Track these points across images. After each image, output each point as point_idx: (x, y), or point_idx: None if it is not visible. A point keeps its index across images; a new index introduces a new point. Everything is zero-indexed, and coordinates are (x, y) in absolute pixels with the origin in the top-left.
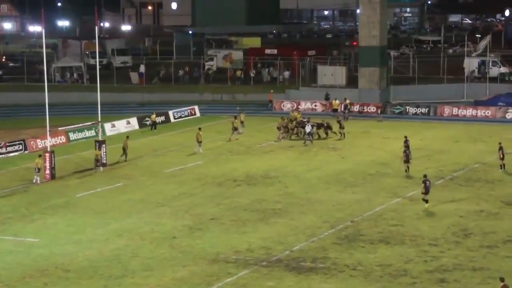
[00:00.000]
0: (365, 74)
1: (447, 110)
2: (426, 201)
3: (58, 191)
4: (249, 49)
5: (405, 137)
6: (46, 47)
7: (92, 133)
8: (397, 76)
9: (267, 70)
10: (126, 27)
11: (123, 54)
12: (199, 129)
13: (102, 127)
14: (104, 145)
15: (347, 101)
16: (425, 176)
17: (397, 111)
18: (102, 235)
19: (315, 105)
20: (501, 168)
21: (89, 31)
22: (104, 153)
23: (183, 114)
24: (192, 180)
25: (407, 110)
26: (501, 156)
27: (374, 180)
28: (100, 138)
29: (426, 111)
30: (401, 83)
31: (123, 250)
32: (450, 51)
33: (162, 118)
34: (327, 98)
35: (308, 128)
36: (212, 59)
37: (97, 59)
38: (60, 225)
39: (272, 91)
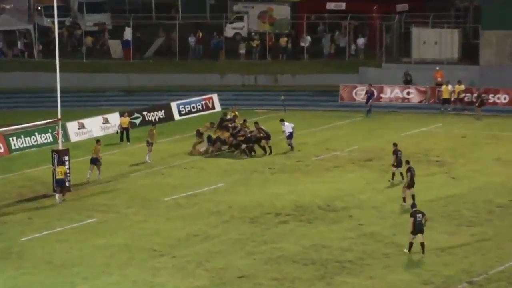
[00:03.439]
0: (491, 42)
1: None
2: None
3: None
4: (300, 2)
5: None
6: None
7: (47, 138)
8: None
9: (329, 36)
10: None
11: (98, 11)
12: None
13: (64, 128)
14: (67, 158)
15: (460, 86)
16: None
17: None
18: None
19: (409, 93)
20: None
21: None
22: (68, 171)
23: (194, 107)
24: (208, 214)
25: None
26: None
27: (507, 216)
28: (60, 147)
29: None
30: None
31: None
32: None
33: (161, 113)
34: (407, 80)
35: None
36: (240, 19)
37: (56, 19)
38: None
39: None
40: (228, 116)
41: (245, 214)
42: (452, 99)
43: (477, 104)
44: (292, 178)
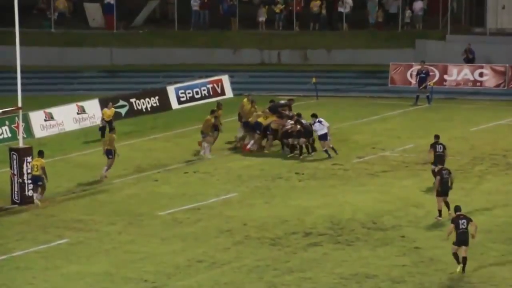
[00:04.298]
0: None
1: None
2: None
3: None
4: None
5: None
6: None
7: (3, 132)
8: None
9: (376, 0)
10: None
11: None
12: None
13: (26, 120)
14: (30, 159)
15: None
16: None
17: None
18: None
19: (482, 74)
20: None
21: None
22: (29, 174)
23: (197, 92)
24: (216, 233)
25: None
26: None
27: None
28: (21, 144)
29: None
30: None
31: None
32: None
33: (154, 101)
34: (468, 58)
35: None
36: None
37: None
38: None
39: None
40: (283, 101)
41: (265, 234)
42: None
43: None
44: (326, 186)
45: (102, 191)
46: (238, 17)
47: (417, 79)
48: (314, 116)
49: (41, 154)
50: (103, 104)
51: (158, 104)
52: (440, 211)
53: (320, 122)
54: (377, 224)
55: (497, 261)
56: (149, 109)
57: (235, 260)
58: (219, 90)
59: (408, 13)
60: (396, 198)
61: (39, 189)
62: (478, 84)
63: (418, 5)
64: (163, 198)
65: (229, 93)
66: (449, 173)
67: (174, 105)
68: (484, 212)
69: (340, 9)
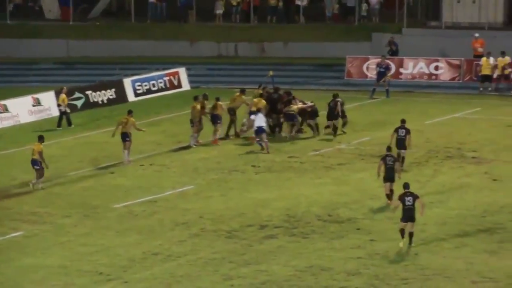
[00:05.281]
0: None
1: None
2: None
3: None
4: None
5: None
6: None
7: None
8: None
9: None
10: None
11: None
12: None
13: None
14: None
15: (504, 59)
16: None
17: None
18: None
19: (438, 67)
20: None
21: None
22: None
23: (154, 85)
24: (172, 226)
25: None
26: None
27: None
28: None
29: None
30: None
31: None
32: None
33: (110, 93)
34: (392, 50)
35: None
36: None
37: None
38: None
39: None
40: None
41: (221, 227)
42: (495, 75)
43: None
44: (282, 179)
45: (57, 184)
46: (195, 9)
47: (377, 73)
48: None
49: (40, 139)
50: (58, 97)
51: (114, 96)
52: (387, 195)
53: (252, 116)
54: (332, 216)
55: (451, 253)
56: (105, 101)
57: (191, 253)
58: (176, 83)
59: (364, 6)
60: (351, 190)
61: (36, 174)
62: (434, 77)
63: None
64: (119, 191)
65: (186, 86)
66: (395, 160)
67: (131, 97)
68: (438, 205)
69: (297, 2)
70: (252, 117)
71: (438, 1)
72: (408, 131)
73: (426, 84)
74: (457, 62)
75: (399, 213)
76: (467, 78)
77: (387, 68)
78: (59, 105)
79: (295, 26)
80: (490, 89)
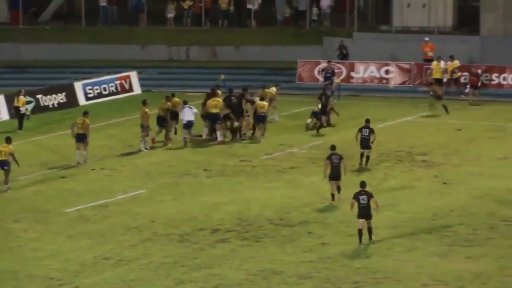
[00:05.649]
0: (497, 4)
1: None
2: None
3: None
4: None
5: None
6: None
7: None
8: None
9: None
10: None
11: None
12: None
13: None
14: None
15: (453, 63)
16: None
17: None
18: None
19: (388, 71)
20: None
21: None
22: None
23: (105, 89)
24: (123, 230)
25: None
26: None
27: None
28: None
29: None
30: None
31: None
32: None
33: (61, 97)
34: (343, 54)
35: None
36: None
37: None
38: None
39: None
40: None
41: (173, 231)
42: (445, 79)
43: (479, 85)
44: (234, 183)
45: (10, 190)
46: (146, 13)
47: (324, 77)
48: (185, 103)
49: (8, 140)
50: (9, 100)
51: (65, 100)
52: (332, 195)
53: (186, 109)
54: (284, 220)
55: (402, 257)
56: (56, 105)
57: (142, 257)
58: (127, 87)
59: (315, 10)
60: (303, 194)
61: (5, 174)
62: (384, 81)
63: (325, 3)
64: (70, 195)
65: (137, 90)
66: (340, 158)
67: (82, 101)
68: (390, 208)
69: (249, 6)
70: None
71: (389, 5)
72: (372, 131)
73: (377, 88)
74: (407, 66)
75: (349, 216)
76: (417, 82)
77: (333, 73)
78: (18, 108)
79: (246, 30)
80: (431, 93)
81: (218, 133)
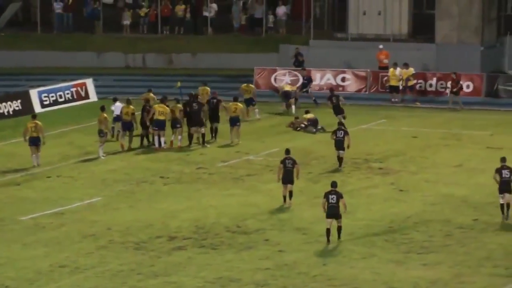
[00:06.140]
0: (452, 13)
1: None
2: None
3: None
4: None
5: None
6: None
7: None
8: None
9: (240, 3)
10: None
11: None
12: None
13: None
14: None
15: (408, 71)
16: None
17: None
18: None
19: (344, 79)
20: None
21: None
22: None
23: (61, 96)
24: (79, 238)
25: None
26: None
27: (469, 240)
28: None
29: None
30: None
31: None
32: None
33: (16, 104)
34: (299, 61)
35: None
36: None
37: None
38: None
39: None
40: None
41: (129, 238)
42: (401, 87)
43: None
44: (191, 190)
45: None
46: (102, 20)
47: (301, 85)
48: (115, 99)
49: None
50: None
51: (20, 107)
52: (284, 197)
53: (117, 105)
54: (241, 227)
55: (359, 264)
56: (11, 112)
57: (98, 265)
58: (83, 94)
59: (271, 18)
60: (260, 201)
61: None
62: (341, 88)
63: (281, 10)
64: (25, 203)
65: (93, 97)
66: (294, 163)
67: (37, 108)
68: (346, 215)
69: (205, 14)
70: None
71: (344, 13)
72: (346, 133)
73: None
74: (363, 74)
75: (306, 223)
76: (373, 89)
77: (310, 80)
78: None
79: (203, 37)
80: (396, 100)
81: (162, 139)
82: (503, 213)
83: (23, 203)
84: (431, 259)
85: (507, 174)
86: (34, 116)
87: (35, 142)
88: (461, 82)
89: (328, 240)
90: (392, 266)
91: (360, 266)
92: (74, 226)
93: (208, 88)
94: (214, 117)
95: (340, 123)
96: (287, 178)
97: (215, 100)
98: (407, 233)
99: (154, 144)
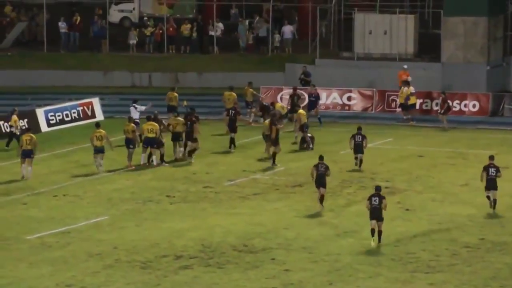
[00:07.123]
0: (457, 33)
1: None
2: None
3: None
4: None
5: None
6: None
7: None
8: None
9: (246, 23)
10: None
11: None
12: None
13: None
14: None
15: (409, 89)
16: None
17: None
18: None
19: (350, 97)
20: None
21: None
22: None
23: (67, 115)
24: (86, 257)
25: None
26: None
27: (475, 260)
28: None
29: None
30: None
31: None
32: None
33: (22, 123)
34: (305, 80)
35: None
36: None
37: None
38: None
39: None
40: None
41: (135, 257)
42: (403, 102)
43: (441, 111)
44: (197, 209)
45: None
46: (108, 39)
47: (308, 103)
48: (135, 101)
49: None
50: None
51: (26, 126)
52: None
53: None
54: (247, 246)
55: (365, 283)
56: (17, 132)
57: (104, 284)
58: (89, 113)
59: (277, 37)
60: (266, 220)
61: None
62: (347, 107)
63: (287, 30)
64: (31, 222)
65: (99, 116)
66: (326, 168)
67: (44, 127)
68: (352, 234)
69: (211, 33)
70: None
71: (350, 32)
72: (364, 137)
73: (340, 115)
74: (369, 93)
75: (312, 242)
76: (379, 108)
77: (317, 97)
78: (11, 126)
79: (209, 56)
80: (405, 117)
81: (154, 157)
82: (490, 204)
83: (29, 222)
84: (437, 278)
85: (493, 172)
86: (29, 129)
87: (26, 155)
88: (449, 101)
89: (373, 239)
90: (398, 286)
91: (366, 285)
92: (81, 245)
93: (234, 94)
94: (232, 128)
95: (359, 128)
96: (320, 181)
97: (233, 112)
98: (413, 252)
99: (166, 162)
